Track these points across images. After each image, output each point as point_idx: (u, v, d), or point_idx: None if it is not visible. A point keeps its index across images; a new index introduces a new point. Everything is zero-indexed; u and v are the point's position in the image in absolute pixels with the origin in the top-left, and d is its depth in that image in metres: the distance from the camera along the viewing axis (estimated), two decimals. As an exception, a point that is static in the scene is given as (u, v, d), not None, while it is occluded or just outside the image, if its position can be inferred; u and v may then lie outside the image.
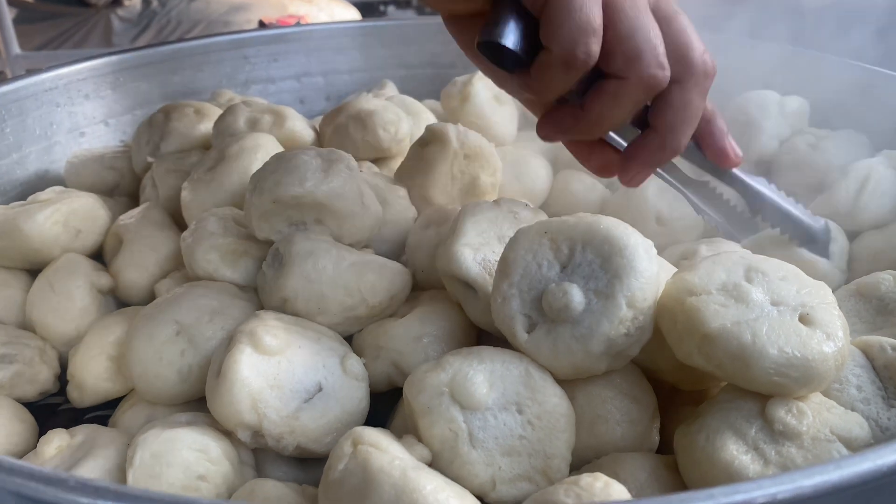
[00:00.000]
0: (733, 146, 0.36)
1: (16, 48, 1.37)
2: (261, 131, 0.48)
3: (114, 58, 0.60)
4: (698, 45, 0.33)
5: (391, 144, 0.50)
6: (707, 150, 0.36)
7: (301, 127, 0.50)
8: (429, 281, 0.40)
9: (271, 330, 0.33)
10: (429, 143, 0.46)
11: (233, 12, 1.38)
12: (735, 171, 0.38)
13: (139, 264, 0.45)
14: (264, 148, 0.44)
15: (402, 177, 0.46)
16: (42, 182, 0.55)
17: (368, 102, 0.52)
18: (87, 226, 0.47)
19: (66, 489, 0.18)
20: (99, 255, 0.48)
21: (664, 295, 0.30)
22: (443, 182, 0.45)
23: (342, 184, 0.38)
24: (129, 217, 0.47)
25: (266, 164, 0.39)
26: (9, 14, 1.38)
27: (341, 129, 0.50)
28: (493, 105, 0.58)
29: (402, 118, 0.51)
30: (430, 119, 0.56)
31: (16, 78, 0.54)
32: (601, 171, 0.37)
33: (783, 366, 0.27)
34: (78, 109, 0.58)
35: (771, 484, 0.19)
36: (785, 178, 0.51)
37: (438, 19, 0.37)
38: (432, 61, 0.69)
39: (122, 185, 0.54)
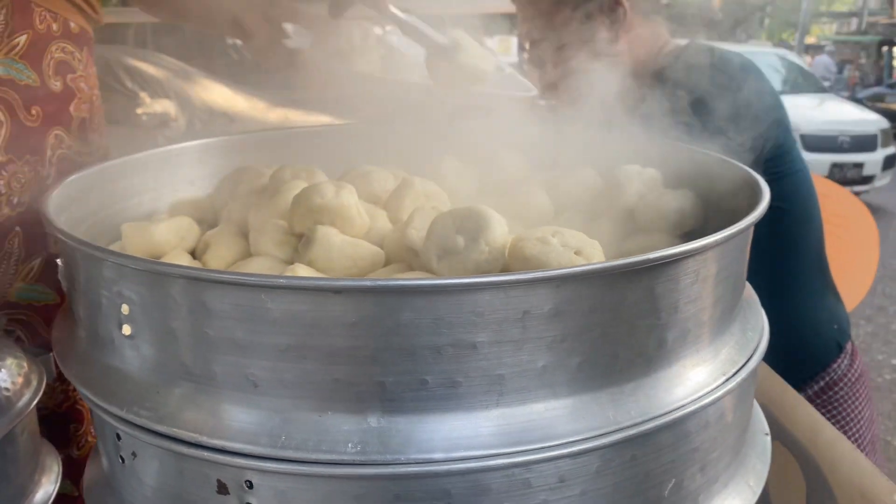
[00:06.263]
0: None
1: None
2: (296, 179, 0.76)
3: (207, 140, 0.90)
4: None
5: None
6: None
7: (323, 179, 0.79)
8: (394, 259, 0.67)
9: (303, 269, 0.60)
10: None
11: None
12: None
13: (220, 257, 0.72)
14: (301, 186, 0.72)
15: (384, 206, 0.74)
16: (154, 213, 0.83)
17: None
18: (188, 234, 0.74)
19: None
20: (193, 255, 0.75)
21: (511, 243, 0.57)
22: (406, 211, 0.73)
23: (348, 200, 0.66)
24: (216, 231, 0.75)
25: (303, 189, 0.67)
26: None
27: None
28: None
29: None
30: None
31: (153, 148, 0.84)
32: None
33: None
34: (179, 172, 0.88)
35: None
36: (640, 219, 0.78)
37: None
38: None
39: (205, 220, 0.83)
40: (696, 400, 0.52)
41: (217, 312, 0.47)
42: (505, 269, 0.57)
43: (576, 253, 0.55)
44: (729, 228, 0.53)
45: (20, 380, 0.73)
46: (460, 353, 0.46)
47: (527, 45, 1.37)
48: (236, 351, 0.47)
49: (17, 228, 0.85)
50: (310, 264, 0.63)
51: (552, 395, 0.48)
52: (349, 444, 0.46)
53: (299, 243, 0.66)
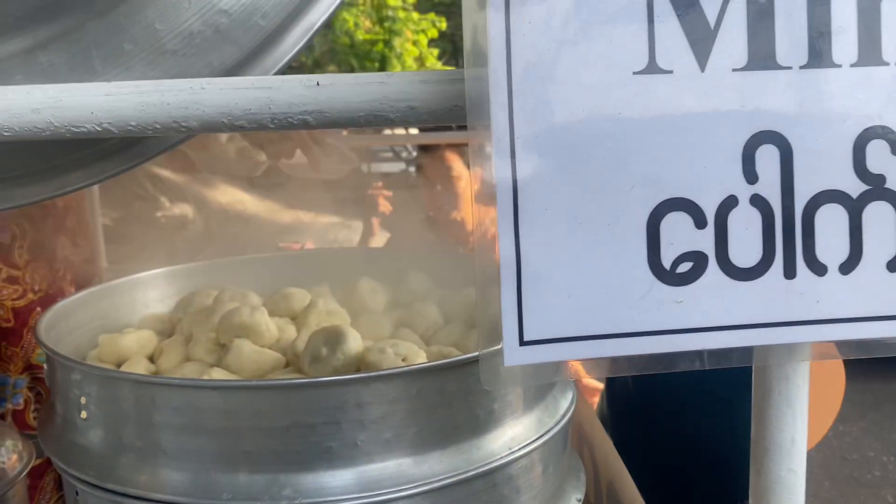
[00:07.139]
0: None
1: (104, 261, 1.98)
2: (233, 300, 1.00)
3: (175, 267, 1.14)
4: None
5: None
6: None
7: (255, 300, 1.02)
8: (291, 363, 0.89)
9: (218, 372, 0.82)
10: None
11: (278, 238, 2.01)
12: None
13: (169, 360, 0.95)
14: (233, 306, 0.96)
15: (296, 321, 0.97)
16: (128, 325, 1.07)
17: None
18: (147, 343, 0.97)
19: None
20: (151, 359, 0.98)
21: (363, 351, 0.79)
22: (310, 325, 0.96)
23: (259, 319, 0.89)
24: (169, 340, 0.98)
25: (228, 311, 0.90)
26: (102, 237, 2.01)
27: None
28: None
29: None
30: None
31: (129, 275, 1.08)
32: None
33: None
34: (150, 292, 1.12)
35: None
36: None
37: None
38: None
39: (165, 331, 1.06)
40: (481, 466, 0.72)
41: (140, 403, 0.69)
42: (358, 371, 0.79)
43: (403, 360, 0.77)
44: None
45: (14, 457, 0.96)
46: (301, 431, 0.67)
47: None
48: (152, 429, 0.69)
49: (38, 308, 1.15)
50: (226, 368, 0.85)
51: (370, 461, 0.69)
52: (224, 493, 0.67)
53: (222, 352, 0.88)
